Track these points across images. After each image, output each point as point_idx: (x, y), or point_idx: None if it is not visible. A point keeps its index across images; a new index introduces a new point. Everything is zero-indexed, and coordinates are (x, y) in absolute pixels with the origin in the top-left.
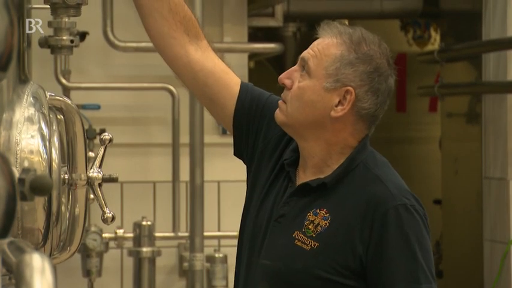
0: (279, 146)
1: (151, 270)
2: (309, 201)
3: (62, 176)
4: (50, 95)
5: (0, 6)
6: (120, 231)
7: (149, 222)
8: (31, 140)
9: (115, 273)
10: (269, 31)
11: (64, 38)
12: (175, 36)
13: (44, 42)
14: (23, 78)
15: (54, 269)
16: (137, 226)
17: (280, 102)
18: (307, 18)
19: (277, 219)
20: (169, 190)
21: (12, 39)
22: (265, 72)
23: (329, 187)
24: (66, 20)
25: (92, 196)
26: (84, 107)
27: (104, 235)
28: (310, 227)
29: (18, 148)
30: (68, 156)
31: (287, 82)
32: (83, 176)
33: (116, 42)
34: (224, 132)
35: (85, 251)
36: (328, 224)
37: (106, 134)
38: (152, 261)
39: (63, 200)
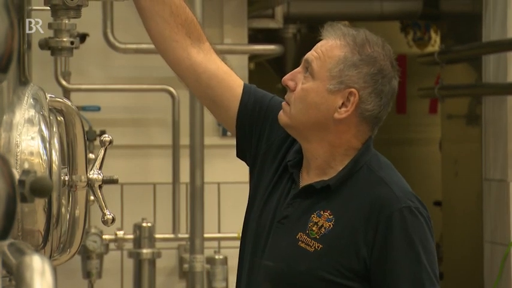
0: (282, 148)
1: (151, 271)
2: (312, 203)
3: (62, 178)
4: (50, 97)
5: (1, 8)
6: (120, 233)
7: (149, 224)
8: (31, 142)
9: (115, 274)
10: (269, 33)
11: (64, 39)
12: (177, 39)
13: (44, 44)
14: (23, 80)
15: (54, 270)
16: (137, 228)
17: (283, 103)
18: (307, 20)
19: (281, 221)
20: (169, 192)
21: (13, 41)
22: (265, 73)
23: (333, 189)
24: (67, 21)
25: (92, 198)
26: (84, 108)
27: (104, 237)
28: (314, 228)
29: (18, 150)
30: (68, 158)
31: (290, 84)
32: (83, 177)
33: (116, 43)
34: (224, 134)
35: (85, 253)
36: (332, 225)
37: (106, 135)
38: (152, 262)
39: (64, 201)
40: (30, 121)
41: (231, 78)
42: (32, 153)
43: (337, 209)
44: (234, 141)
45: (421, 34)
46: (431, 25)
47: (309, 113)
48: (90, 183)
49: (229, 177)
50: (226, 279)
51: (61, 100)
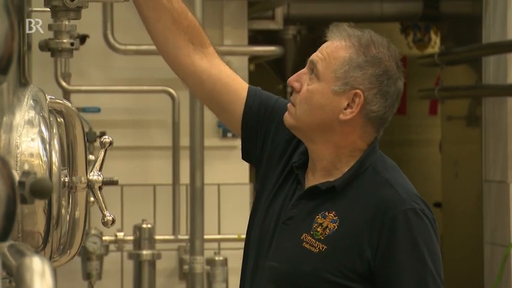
0: (288, 149)
1: (151, 273)
2: (317, 204)
3: (62, 179)
4: (50, 98)
5: (1, 9)
6: (120, 234)
7: (149, 225)
8: (31, 143)
9: (115, 276)
10: (269, 34)
11: (64, 41)
12: (180, 46)
13: (44, 45)
14: (23, 82)
15: (54, 272)
16: (137, 229)
17: (289, 105)
18: (307, 21)
19: (286, 222)
20: (169, 193)
21: (13, 42)
22: (266, 75)
23: (338, 190)
24: (67, 23)
25: (92, 199)
26: (84, 110)
27: (104, 238)
28: (318, 229)
29: (18, 151)
30: (68, 159)
31: (296, 85)
32: (83, 179)
33: (116, 45)
34: (224, 135)
35: (85, 254)
36: (336, 226)
37: (106, 137)
38: (152, 264)
39: (64, 203)
40: (30, 122)
41: (235, 81)
42: (32, 155)
43: (342, 210)
44: (233, 143)
45: (421, 35)
46: (432, 26)
47: (314, 114)
48: (90, 185)
49: (229, 178)
50: (226, 281)
51: (61, 101)
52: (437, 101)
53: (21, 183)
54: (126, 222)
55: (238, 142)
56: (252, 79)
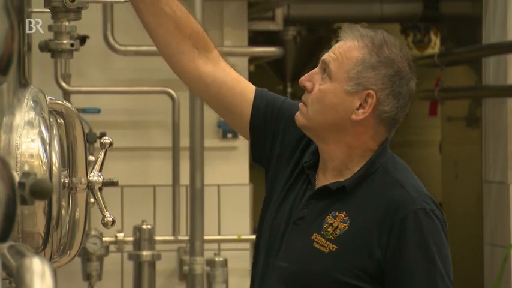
0: (297, 150)
1: (151, 274)
2: (328, 204)
3: (62, 180)
4: (50, 99)
5: (1, 10)
6: (120, 235)
7: (149, 226)
8: (31, 144)
9: (115, 277)
10: (269, 35)
11: (64, 41)
12: (184, 52)
13: (44, 46)
14: (23, 82)
15: (54, 272)
16: (137, 230)
17: (300, 105)
18: (307, 22)
19: (296, 222)
20: (169, 194)
21: (13, 43)
22: (266, 75)
23: (348, 190)
24: (67, 23)
25: (92, 200)
26: (84, 110)
27: (104, 239)
28: (329, 229)
29: (18, 152)
30: (68, 160)
31: (308, 85)
32: (83, 179)
33: (116, 46)
34: (224, 136)
35: (85, 255)
36: (347, 227)
37: (106, 137)
38: (152, 264)
39: (64, 203)
40: (30, 123)
41: (240, 84)
42: (32, 156)
43: (352, 210)
44: (234, 143)
45: (421, 36)
46: (432, 27)
47: (326, 114)
48: (90, 186)
49: (229, 179)
50: (226, 281)
51: (61, 102)
52: (437, 101)
53: (21, 184)
54: (126, 223)
55: (238, 143)
56: (252, 80)
